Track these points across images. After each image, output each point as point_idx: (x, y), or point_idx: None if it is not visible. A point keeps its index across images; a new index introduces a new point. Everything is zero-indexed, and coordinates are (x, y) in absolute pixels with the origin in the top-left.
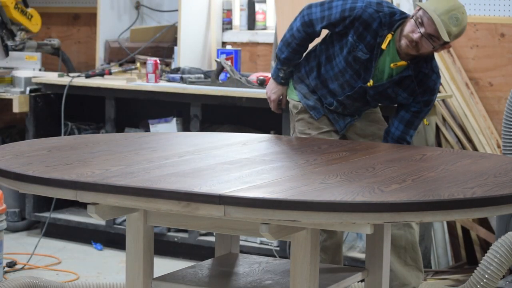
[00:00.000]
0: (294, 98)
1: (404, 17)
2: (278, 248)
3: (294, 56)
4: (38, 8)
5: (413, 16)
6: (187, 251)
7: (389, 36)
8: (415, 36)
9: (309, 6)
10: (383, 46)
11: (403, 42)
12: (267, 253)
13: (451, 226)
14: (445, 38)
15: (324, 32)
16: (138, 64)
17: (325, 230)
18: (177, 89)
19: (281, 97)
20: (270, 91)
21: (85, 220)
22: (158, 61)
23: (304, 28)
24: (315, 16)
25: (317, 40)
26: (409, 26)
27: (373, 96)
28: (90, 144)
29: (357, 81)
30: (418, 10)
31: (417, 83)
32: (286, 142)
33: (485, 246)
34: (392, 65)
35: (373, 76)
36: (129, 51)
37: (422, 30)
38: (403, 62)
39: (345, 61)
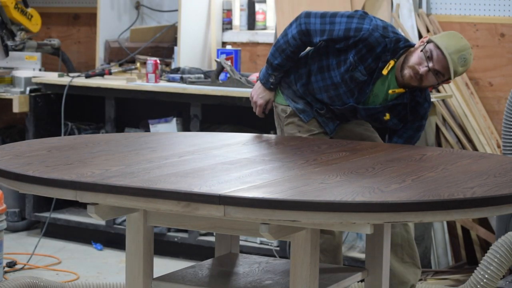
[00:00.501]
0: (282, 102)
1: (408, 45)
2: (278, 248)
3: (287, 62)
4: (38, 8)
5: (421, 48)
6: (187, 251)
7: (392, 63)
8: (422, 69)
9: (308, 15)
10: (384, 72)
11: (407, 72)
12: (267, 253)
13: (451, 226)
14: (452, 77)
15: None
16: (138, 64)
17: (324, 232)
18: (177, 89)
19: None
20: (257, 95)
21: (85, 220)
22: (158, 61)
23: (300, 36)
24: (314, 27)
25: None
26: (416, 57)
27: (364, 117)
28: (90, 144)
29: (349, 99)
30: (427, 43)
31: (409, 111)
32: (286, 142)
33: (485, 246)
34: (390, 91)
35: (366, 99)
36: (129, 51)
37: (430, 64)
38: (401, 90)
39: (341, 77)
